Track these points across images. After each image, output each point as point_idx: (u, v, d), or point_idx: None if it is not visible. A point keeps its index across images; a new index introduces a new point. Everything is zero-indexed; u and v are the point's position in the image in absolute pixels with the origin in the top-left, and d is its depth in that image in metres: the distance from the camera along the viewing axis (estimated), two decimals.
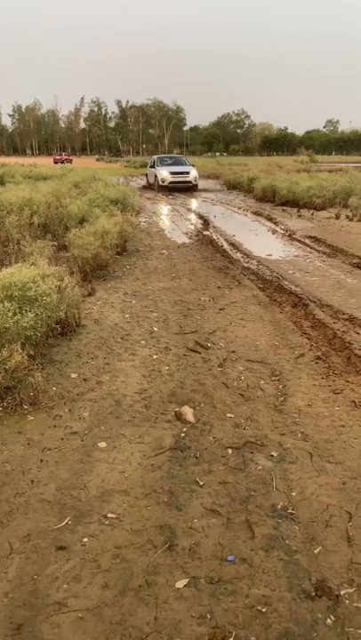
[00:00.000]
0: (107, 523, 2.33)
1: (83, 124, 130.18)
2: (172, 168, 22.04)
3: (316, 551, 2.15)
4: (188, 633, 1.79)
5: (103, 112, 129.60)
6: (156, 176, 21.69)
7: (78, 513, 2.39)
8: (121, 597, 1.93)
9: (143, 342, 4.53)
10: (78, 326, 4.82)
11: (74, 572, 2.05)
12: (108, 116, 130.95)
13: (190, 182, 21.47)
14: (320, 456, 2.84)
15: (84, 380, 3.77)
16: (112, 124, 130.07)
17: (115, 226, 7.89)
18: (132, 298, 5.95)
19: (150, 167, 23.77)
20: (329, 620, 1.83)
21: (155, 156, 24.94)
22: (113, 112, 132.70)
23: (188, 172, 21.77)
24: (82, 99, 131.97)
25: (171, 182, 20.96)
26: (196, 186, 21.86)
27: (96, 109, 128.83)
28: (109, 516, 2.37)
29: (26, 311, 3.79)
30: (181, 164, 23.45)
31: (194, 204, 17.18)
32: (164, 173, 21.16)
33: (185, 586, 1.98)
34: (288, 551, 2.16)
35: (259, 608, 1.88)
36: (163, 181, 20.96)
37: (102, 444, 2.95)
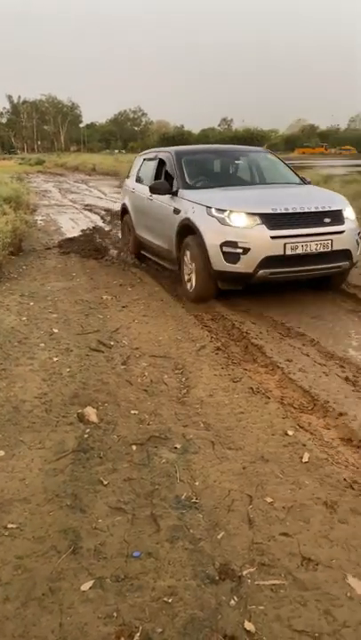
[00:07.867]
0: (6, 534, 2.22)
1: None
2: (265, 196, 5.62)
3: (219, 536, 2.21)
4: (94, 635, 1.76)
5: None
6: (181, 223, 5.50)
7: None
8: (23, 609, 1.86)
9: (42, 345, 4.39)
10: None
11: None
12: None
13: (339, 265, 5.11)
14: (221, 444, 2.93)
15: None
16: (4, 120, 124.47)
17: (7, 224, 7.56)
18: (30, 299, 5.74)
19: (153, 190, 6.29)
20: (233, 601, 1.89)
21: (170, 150, 6.55)
22: (4, 108, 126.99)
23: (334, 214, 5.07)
24: None
25: (267, 269, 4.88)
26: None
27: None
28: (9, 526, 2.27)
29: None
30: (281, 182, 6.45)
31: (93, 199, 16.91)
32: (237, 220, 4.93)
33: (90, 588, 1.95)
34: (192, 540, 2.20)
35: (165, 599, 1.90)
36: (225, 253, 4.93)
37: (0, 453, 2.82)
